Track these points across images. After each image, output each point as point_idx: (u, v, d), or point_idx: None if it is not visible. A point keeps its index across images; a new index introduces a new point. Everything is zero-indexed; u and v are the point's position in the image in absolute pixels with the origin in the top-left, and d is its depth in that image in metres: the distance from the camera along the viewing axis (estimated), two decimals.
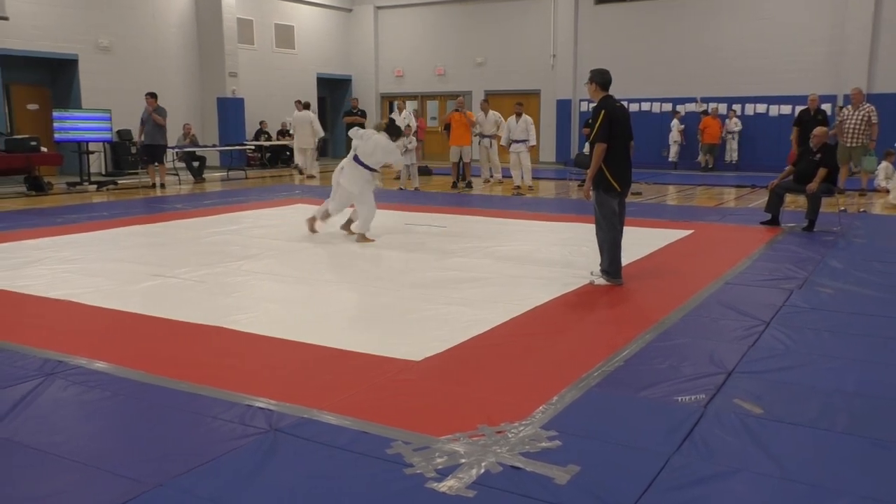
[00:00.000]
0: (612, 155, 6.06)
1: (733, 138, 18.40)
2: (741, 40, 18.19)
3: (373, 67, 23.68)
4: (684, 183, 15.88)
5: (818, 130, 9.09)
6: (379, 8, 23.34)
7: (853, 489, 2.82)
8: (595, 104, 6.23)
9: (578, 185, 13.59)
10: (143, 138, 14.36)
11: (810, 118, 12.41)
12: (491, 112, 15.26)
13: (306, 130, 17.22)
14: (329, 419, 3.45)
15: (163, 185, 14.50)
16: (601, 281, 6.24)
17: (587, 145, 13.99)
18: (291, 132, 18.49)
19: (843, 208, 10.53)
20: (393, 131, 8.56)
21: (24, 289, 6.07)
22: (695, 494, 2.78)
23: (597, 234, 6.27)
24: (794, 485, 2.85)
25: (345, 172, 8.31)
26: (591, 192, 6.28)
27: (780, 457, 3.07)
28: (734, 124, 18.32)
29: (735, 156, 18.47)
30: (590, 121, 6.33)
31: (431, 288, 6.12)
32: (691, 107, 19.02)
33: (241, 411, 3.54)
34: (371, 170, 8.37)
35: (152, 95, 14.35)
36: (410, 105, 22.44)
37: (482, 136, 15.17)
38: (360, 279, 6.46)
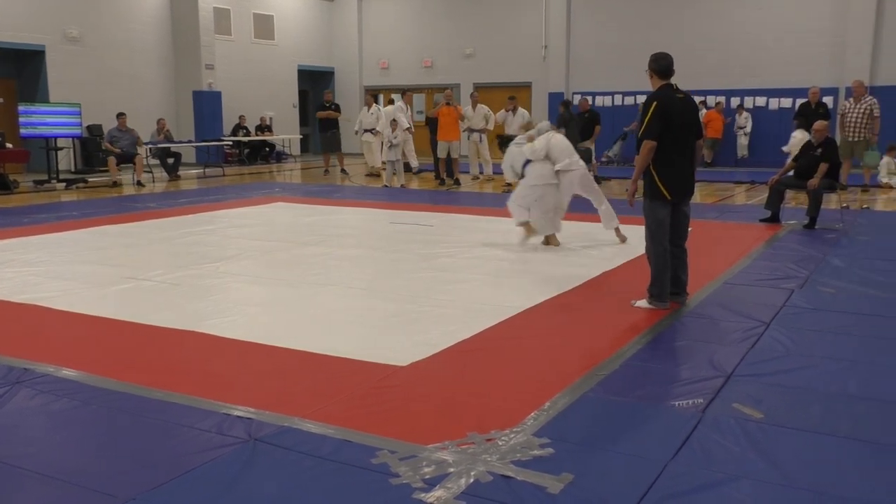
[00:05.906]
0: (663, 155, 5.17)
1: (745, 134, 17.99)
2: (739, 31, 17.98)
3: (356, 59, 23.19)
4: None
5: (819, 124, 8.96)
6: None
7: (856, 495, 2.78)
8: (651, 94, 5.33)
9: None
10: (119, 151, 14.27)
11: (811, 111, 12.30)
12: (480, 105, 15.10)
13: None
14: (311, 428, 3.35)
15: (140, 183, 14.19)
16: (643, 303, 5.37)
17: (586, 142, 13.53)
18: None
19: (845, 205, 10.22)
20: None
21: None
22: (693, 502, 2.72)
23: (646, 246, 5.53)
24: (796, 491, 2.80)
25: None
26: (633, 197, 5.59)
27: (782, 463, 3.01)
28: (744, 119, 17.94)
29: (746, 152, 18.02)
30: (641, 112, 5.38)
31: (418, 290, 5.99)
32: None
33: (218, 420, 3.44)
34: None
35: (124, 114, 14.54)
36: (397, 98, 22.19)
37: (471, 130, 15.01)
38: (343, 281, 6.31)
